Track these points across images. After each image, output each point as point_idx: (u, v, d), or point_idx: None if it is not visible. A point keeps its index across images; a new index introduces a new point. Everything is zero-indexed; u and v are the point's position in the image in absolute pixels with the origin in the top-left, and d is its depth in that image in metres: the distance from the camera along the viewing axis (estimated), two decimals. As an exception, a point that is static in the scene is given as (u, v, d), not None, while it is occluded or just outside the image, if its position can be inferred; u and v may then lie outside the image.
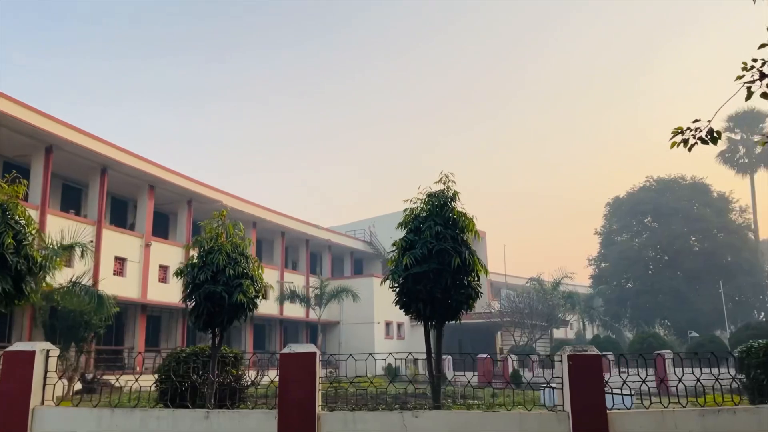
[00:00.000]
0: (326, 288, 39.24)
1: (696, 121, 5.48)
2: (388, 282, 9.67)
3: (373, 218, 53.62)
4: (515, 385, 24.99)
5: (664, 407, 8.21)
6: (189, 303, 9.62)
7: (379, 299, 43.79)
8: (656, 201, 51.13)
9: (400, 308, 9.58)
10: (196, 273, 9.40)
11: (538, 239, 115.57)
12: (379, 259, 51.46)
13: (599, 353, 8.11)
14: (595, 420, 7.77)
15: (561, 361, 8.14)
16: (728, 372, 13.59)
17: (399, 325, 45.62)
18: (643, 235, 52.78)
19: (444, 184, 9.62)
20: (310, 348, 8.20)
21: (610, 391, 8.17)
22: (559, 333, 50.67)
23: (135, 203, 32.83)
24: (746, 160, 52.80)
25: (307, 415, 7.85)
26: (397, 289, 9.47)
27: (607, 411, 7.84)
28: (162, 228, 34.88)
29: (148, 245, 30.68)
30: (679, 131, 5.60)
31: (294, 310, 40.37)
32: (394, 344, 43.21)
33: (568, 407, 7.86)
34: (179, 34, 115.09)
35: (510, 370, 28.03)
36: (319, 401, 8.09)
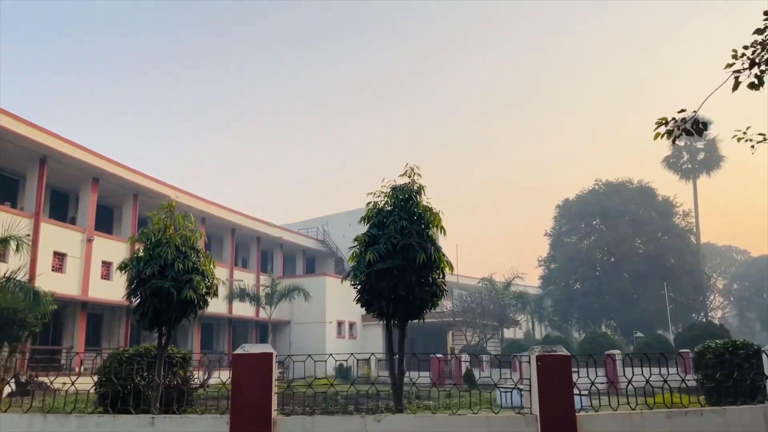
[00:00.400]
0: (277, 287, 38.38)
1: (681, 111, 5.26)
2: (347, 280, 9.19)
3: (326, 216, 52.96)
4: (468, 386, 24.94)
5: (632, 409, 8.03)
6: (133, 299, 8.93)
7: (331, 298, 43.17)
8: (604, 204, 52.18)
9: (362, 306, 9.13)
10: (142, 267, 8.71)
11: (490, 240, 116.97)
12: (332, 257, 50.84)
13: (568, 354, 7.85)
14: (564, 423, 7.50)
15: (529, 362, 7.85)
16: (677, 372, 13.67)
17: (351, 325, 45.11)
18: (591, 236, 53.77)
19: (409, 177, 9.21)
20: (265, 348, 7.66)
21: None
22: (508, 333, 51.09)
23: (77, 196, 31.31)
24: (690, 166, 54.44)
25: (262, 420, 7.31)
26: (359, 286, 9.01)
27: (576, 413, 7.61)
28: (106, 223, 33.39)
29: (90, 240, 29.28)
30: (663, 122, 5.36)
31: (243, 309, 39.37)
32: (345, 344, 42.68)
33: (536, 410, 7.56)
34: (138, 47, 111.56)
35: (463, 370, 27.91)
36: (275, 405, 7.57)
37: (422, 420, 7.50)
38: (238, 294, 37.11)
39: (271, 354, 7.55)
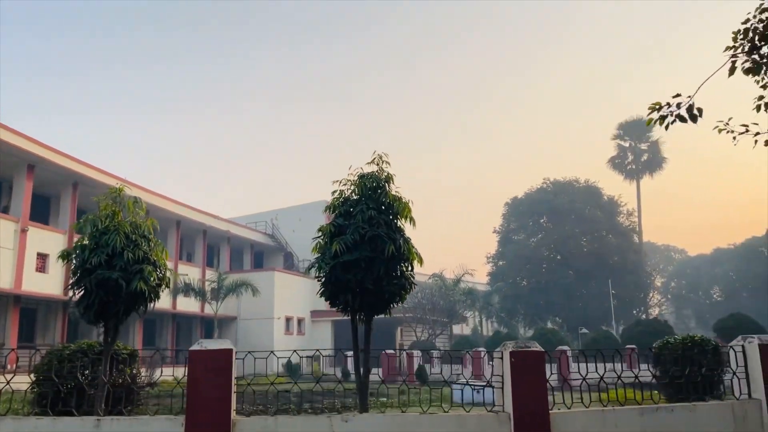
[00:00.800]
0: (224, 282, 37.34)
1: (676, 96, 5.03)
2: (312, 271, 8.69)
3: (276, 210, 51.94)
4: (421, 382, 24.73)
5: (604, 406, 7.88)
6: (77, 291, 8.19)
7: (279, 294, 42.35)
8: (552, 202, 53.06)
9: (326, 300, 8.67)
10: (88, 256, 7.98)
11: (441, 236, 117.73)
12: (281, 252, 49.90)
13: (542, 349, 7.62)
14: (537, 421, 7.25)
15: (501, 357, 7.57)
16: (622, 368, 13.74)
17: (300, 321, 44.39)
18: (538, 234, 54.62)
19: (377, 165, 8.78)
20: (225, 344, 7.11)
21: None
22: (456, 329, 51.38)
23: (10, 184, 29.52)
24: (634, 167, 55.94)
25: (220, 420, 6.78)
26: (323, 279, 8.53)
27: (549, 411, 7.38)
28: (42, 213, 31.61)
29: (24, 230, 27.64)
30: (656, 107, 5.13)
31: (188, 305, 38.15)
32: (294, 341, 41.93)
33: (509, 407, 7.29)
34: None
35: (415, 366, 27.72)
36: (234, 405, 7.04)
37: (392, 419, 7.11)
38: (183, 289, 35.89)
39: (230, 350, 7.02)
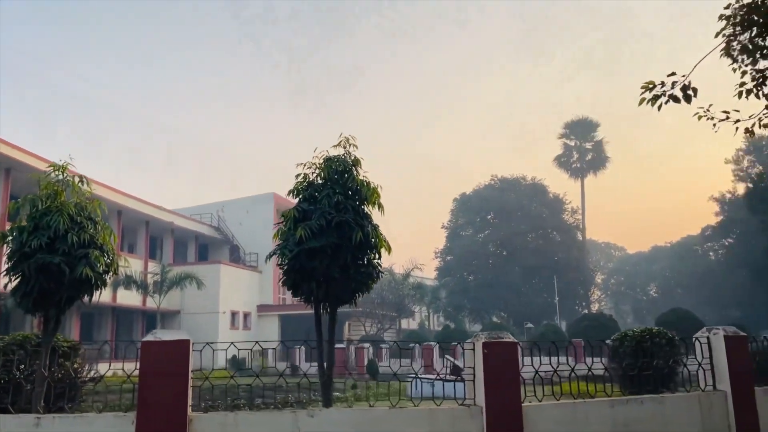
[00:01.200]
0: (168, 274, 36.05)
1: (672, 74, 4.85)
2: (272, 258, 8.22)
3: (222, 202, 50.57)
4: (371, 376, 24.45)
5: (574, 399, 7.73)
6: (13, 277, 7.46)
7: (225, 288, 41.30)
8: (499, 199, 53.71)
9: (288, 289, 8.21)
10: (26, 239, 7.26)
11: (391, 231, 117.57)
12: (227, 245, 48.64)
13: (515, 341, 7.39)
14: (510, 415, 7.01)
15: (473, 349, 7.30)
16: (566, 361, 13.81)
17: (246, 315, 43.40)
18: (485, 230, 55.23)
19: (344, 148, 8.36)
20: (181, 335, 6.58)
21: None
22: (403, 323, 51.40)
23: (-64, 168, 27.64)
24: (579, 165, 57.16)
25: (176, 418, 6.23)
26: (285, 267, 8.07)
27: (522, 405, 7.16)
28: (-30, 199, 29.74)
29: (-50, 217, 25.90)
30: (650, 86, 4.93)
31: (129, 298, 36.65)
32: (240, 335, 40.95)
33: (481, 401, 7.02)
34: None
35: (366, 360, 27.40)
36: (190, 401, 6.52)
37: (361, 414, 6.74)
38: (124, 281, 34.43)
39: (187, 341, 6.48)
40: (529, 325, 43.33)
